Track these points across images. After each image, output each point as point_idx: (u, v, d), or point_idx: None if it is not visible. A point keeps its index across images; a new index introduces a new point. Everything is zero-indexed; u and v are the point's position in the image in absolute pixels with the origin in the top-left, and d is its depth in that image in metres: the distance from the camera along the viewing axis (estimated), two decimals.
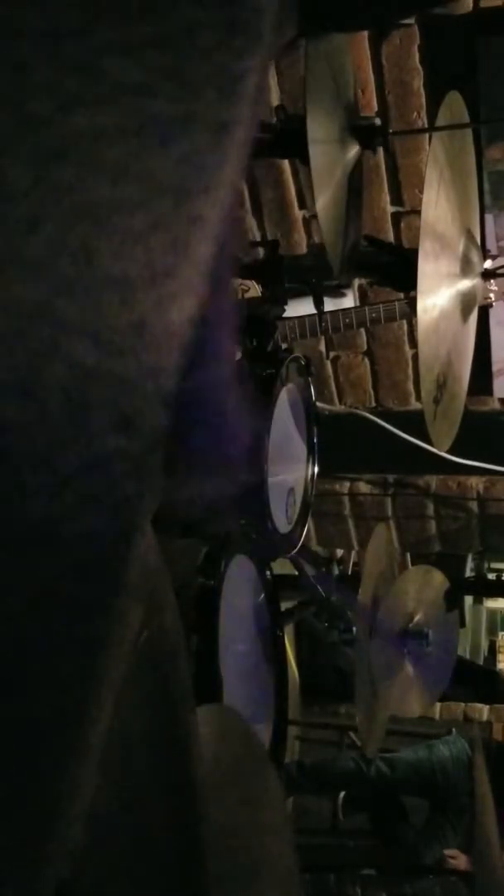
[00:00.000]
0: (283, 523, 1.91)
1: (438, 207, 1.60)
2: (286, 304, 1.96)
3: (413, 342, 2.72)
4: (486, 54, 2.23)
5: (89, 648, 0.31)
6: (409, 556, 3.28)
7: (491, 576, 4.07)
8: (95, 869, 0.46)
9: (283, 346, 2.06)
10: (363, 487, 3.05)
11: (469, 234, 1.77)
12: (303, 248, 2.64)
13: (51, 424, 0.29)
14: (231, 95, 0.30)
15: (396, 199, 2.52)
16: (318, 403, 2.22)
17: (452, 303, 1.70)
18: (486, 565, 4.11)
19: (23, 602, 0.29)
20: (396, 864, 3.05)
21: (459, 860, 2.78)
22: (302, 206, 2.58)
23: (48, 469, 0.29)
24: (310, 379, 2.01)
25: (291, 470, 2.00)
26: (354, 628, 2.20)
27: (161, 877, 0.52)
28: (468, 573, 3.81)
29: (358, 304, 2.60)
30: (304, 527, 2.02)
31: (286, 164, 2.52)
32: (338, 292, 2.54)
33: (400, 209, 2.53)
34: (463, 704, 3.68)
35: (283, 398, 1.87)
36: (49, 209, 0.28)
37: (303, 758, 3.41)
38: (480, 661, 4.85)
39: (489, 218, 2.39)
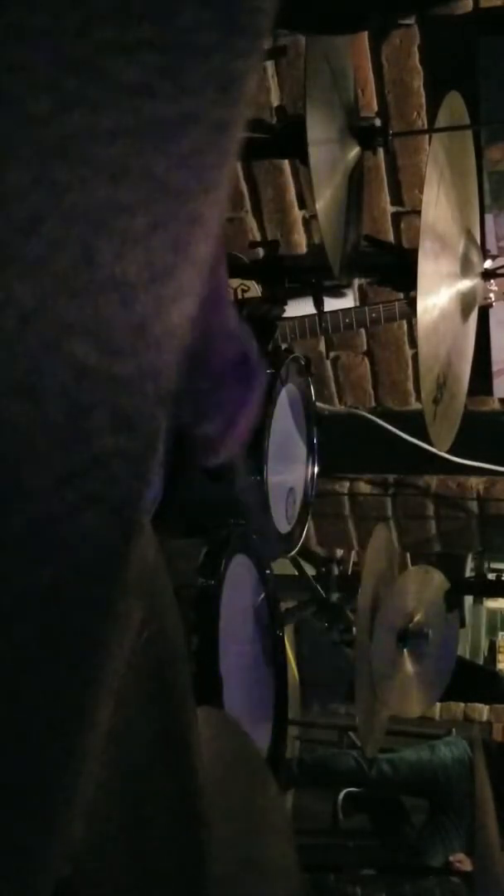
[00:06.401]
0: (283, 523, 1.91)
1: (438, 207, 1.60)
2: (286, 304, 1.96)
3: (413, 342, 2.72)
4: (486, 54, 2.23)
5: (89, 648, 0.31)
6: (409, 556, 3.27)
7: (491, 576, 4.06)
8: (95, 869, 0.46)
9: (283, 346, 2.06)
10: (363, 487, 3.05)
11: (469, 234, 1.77)
12: (303, 248, 2.64)
13: (51, 424, 0.29)
14: (231, 95, 0.30)
15: (396, 199, 2.51)
16: (318, 403, 2.23)
17: (452, 303, 1.70)
18: (486, 565, 4.10)
19: (21, 602, 0.29)
20: (396, 864, 3.05)
21: (465, 863, 2.78)
22: (302, 206, 2.58)
23: (48, 469, 0.29)
24: (310, 379, 2.01)
25: (291, 470, 2.00)
26: (354, 628, 2.20)
27: (161, 877, 0.52)
28: (468, 573, 3.81)
29: (358, 304, 2.60)
30: (304, 527, 2.02)
31: (286, 164, 2.52)
32: (338, 292, 2.54)
33: (400, 209, 2.53)
34: (463, 704, 3.68)
35: (283, 398, 1.88)
36: (49, 209, 0.28)
37: (303, 754, 3.41)
38: (480, 661, 4.85)
39: (489, 218, 2.39)
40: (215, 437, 0.78)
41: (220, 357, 0.74)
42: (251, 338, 0.79)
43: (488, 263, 1.86)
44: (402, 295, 2.11)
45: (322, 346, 2.84)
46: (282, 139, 1.74)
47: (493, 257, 1.98)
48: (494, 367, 2.64)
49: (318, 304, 1.91)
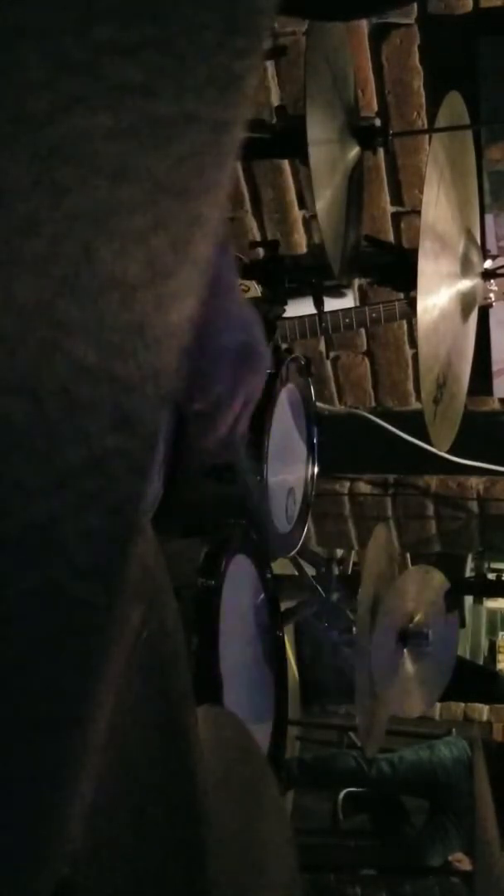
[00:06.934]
0: (283, 523, 1.91)
1: (438, 207, 1.60)
2: (286, 304, 1.96)
3: (413, 342, 2.72)
4: (486, 54, 2.23)
5: (88, 648, 0.31)
6: (409, 556, 3.28)
7: (491, 576, 4.07)
8: (95, 869, 0.46)
9: (283, 346, 2.06)
10: (363, 487, 3.05)
11: (469, 234, 1.77)
12: (303, 248, 2.64)
13: (51, 424, 0.29)
14: (231, 95, 0.30)
15: (396, 199, 2.52)
16: (318, 403, 2.23)
17: (452, 303, 1.70)
18: (486, 565, 4.11)
19: (21, 602, 0.29)
20: (396, 864, 3.05)
21: (465, 863, 2.78)
22: (302, 206, 2.58)
23: (48, 469, 0.29)
24: (310, 379, 2.01)
25: (291, 470, 2.00)
26: (354, 628, 2.20)
27: (161, 876, 0.52)
28: (468, 573, 3.81)
29: (358, 304, 2.60)
30: (304, 527, 2.02)
31: (286, 164, 2.52)
32: (338, 292, 2.54)
33: (400, 209, 2.53)
34: (463, 704, 3.68)
35: (283, 398, 1.88)
36: (49, 210, 0.28)
37: (303, 754, 3.41)
38: (480, 661, 4.85)
39: (489, 218, 2.39)
40: (209, 414, 0.78)
41: (219, 337, 0.74)
42: (258, 323, 0.79)
43: (488, 263, 1.86)
44: (402, 295, 2.11)
45: (322, 346, 2.84)
46: (282, 139, 1.75)
47: (493, 257, 1.98)
48: (494, 367, 2.64)
49: (318, 304, 1.91)
